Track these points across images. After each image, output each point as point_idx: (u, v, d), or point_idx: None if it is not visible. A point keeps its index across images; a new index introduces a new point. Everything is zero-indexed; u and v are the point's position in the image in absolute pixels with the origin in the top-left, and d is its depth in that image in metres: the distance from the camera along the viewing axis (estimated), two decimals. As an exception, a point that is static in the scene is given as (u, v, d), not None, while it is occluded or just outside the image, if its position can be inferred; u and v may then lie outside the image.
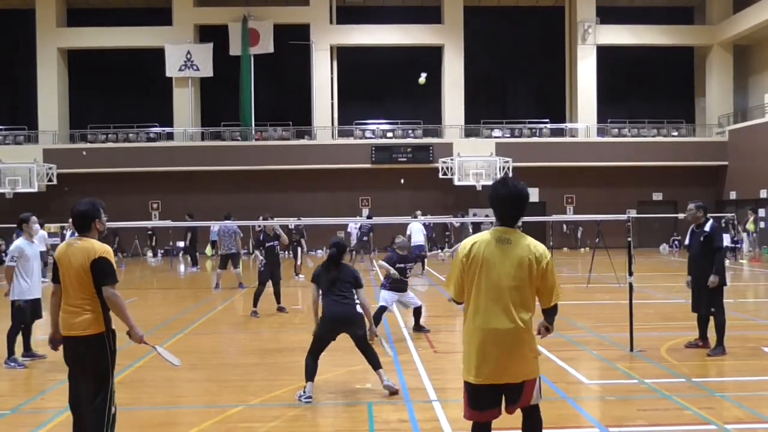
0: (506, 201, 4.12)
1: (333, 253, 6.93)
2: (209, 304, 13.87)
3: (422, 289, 11.77)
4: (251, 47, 30.25)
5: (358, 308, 6.81)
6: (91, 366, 4.81)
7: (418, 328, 10.23)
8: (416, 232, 19.09)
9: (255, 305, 12.10)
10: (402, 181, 27.09)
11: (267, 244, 12.38)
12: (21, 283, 8.31)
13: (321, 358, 6.69)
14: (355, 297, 6.80)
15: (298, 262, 19.10)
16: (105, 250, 4.85)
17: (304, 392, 6.49)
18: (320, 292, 6.82)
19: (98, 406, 4.75)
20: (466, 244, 4.16)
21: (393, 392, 6.65)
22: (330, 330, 6.70)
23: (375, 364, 6.75)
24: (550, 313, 4.25)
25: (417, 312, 10.27)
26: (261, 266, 12.45)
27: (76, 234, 5.04)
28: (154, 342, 5.36)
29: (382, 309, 9.86)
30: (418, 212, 22.63)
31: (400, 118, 30.81)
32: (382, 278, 10.36)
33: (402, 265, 10.01)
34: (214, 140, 30.37)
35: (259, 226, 14.38)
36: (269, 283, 12.38)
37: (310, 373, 6.58)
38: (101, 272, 4.76)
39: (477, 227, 13.69)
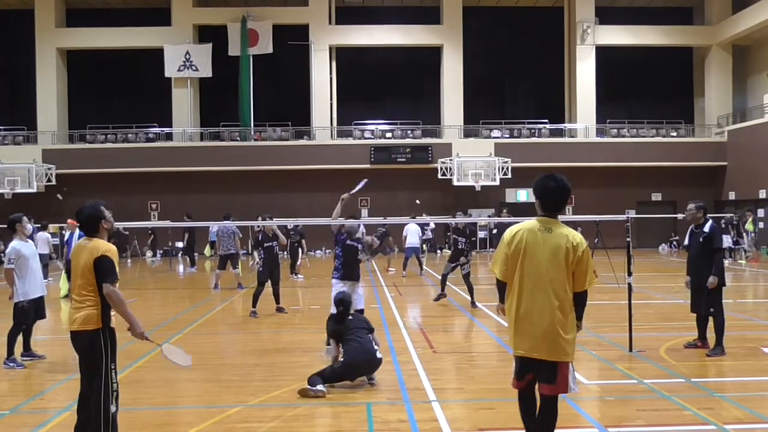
0: (554, 194, 4.55)
1: (341, 311, 7.36)
2: (208, 305, 13.86)
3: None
4: (250, 47, 30.25)
5: (378, 354, 7.13)
6: (86, 361, 5.04)
7: None
8: (412, 233, 19.04)
9: (254, 305, 12.10)
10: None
11: (266, 245, 12.39)
12: (22, 284, 8.31)
13: (320, 360, 6.72)
14: (372, 340, 7.18)
15: (298, 263, 19.12)
16: (108, 248, 5.07)
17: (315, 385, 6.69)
18: (339, 344, 7.21)
19: (95, 403, 4.91)
20: (511, 230, 4.59)
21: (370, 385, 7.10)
22: (352, 373, 7.01)
23: None
24: (580, 301, 4.55)
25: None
26: (259, 267, 12.47)
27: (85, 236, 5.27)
28: (157, 341, 5.37)
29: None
30: (425, 214, 22.37)
31: (399, 119, 30.81)
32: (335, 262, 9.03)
33: (353, 243, 8.99)
34: (213, 141, 30.36)
35: (258, 226, 14.40)
36: (268, 283, 12.39)
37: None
38: (102, 270, 4.96)
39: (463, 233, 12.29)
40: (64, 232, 20.29)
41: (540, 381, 4.49)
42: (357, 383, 7.08)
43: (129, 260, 27.38)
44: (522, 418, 4.73)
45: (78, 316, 4.99)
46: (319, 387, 6.65)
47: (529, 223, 4.59)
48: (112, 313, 5.10)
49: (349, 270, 8.71)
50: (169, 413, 6.38)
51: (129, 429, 5.66)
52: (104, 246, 5.06)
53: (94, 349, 4.97)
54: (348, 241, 8.89)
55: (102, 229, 5.20)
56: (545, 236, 4.46)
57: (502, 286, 4.69)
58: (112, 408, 4.96)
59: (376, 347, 7.15)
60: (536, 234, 4.48)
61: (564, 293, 4.41)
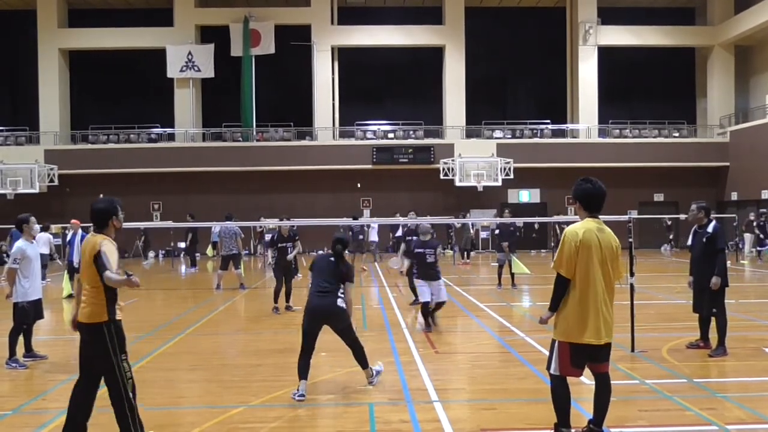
0: (600, 198, 5.24)
1: (338, 249, 7.06)
2: (210, 305, 13.86)
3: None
4: (252, 48, 30.29)
5: (339, 302, 6.83)
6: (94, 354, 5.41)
7: (432, 320, 10.38)
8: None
9: (275, 301, 12.44)
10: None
11: (279, 245, 12.64)
12: (23, 285, 8.30)
13: (322, 359, 6.68)
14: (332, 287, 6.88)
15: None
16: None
17: (298, 390, 6.55)
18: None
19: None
20: (577, 232, 5.07)
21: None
22: (306, 316, 6.83)
23: (362, 363, 6.97)
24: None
25: (438, 305, 10.40)
26: (272, 265, 12.89)
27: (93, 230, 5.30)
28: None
29: (425, 304, 10.21)
30: (412, 213, 22.18)
31: (401, 119, 30.83)
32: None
33: (421, 251, 10.29)
34: (216, 141, 30.40)
35: (260, 226, 14.47)
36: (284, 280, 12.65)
37: (302, 371, 6.66)
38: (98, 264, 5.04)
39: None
40: (66, 232, 20.33)
41: (598, 362, 5.08)
42: (358, 384, 7.09)
43: (148, 260, 27.39)
44: (563, 409, 5.09)
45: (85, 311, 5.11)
46: (297, 396, 6.50)
47: (585, 224, 5.14)
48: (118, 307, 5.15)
49: (423, 271, 10.22)
50: (171, 413, 6.38)
51: (131, 429, 5.66)
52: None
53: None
54: (417, 249, 10.31)
55: (111, 226, 5.20)
56: (600, 236, 5.09)
57: (564, 287, 5.06)
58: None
59: (338, 296, 6.82)
60: (595, 234, 5.08)
61: (611, 284, 5.13)
